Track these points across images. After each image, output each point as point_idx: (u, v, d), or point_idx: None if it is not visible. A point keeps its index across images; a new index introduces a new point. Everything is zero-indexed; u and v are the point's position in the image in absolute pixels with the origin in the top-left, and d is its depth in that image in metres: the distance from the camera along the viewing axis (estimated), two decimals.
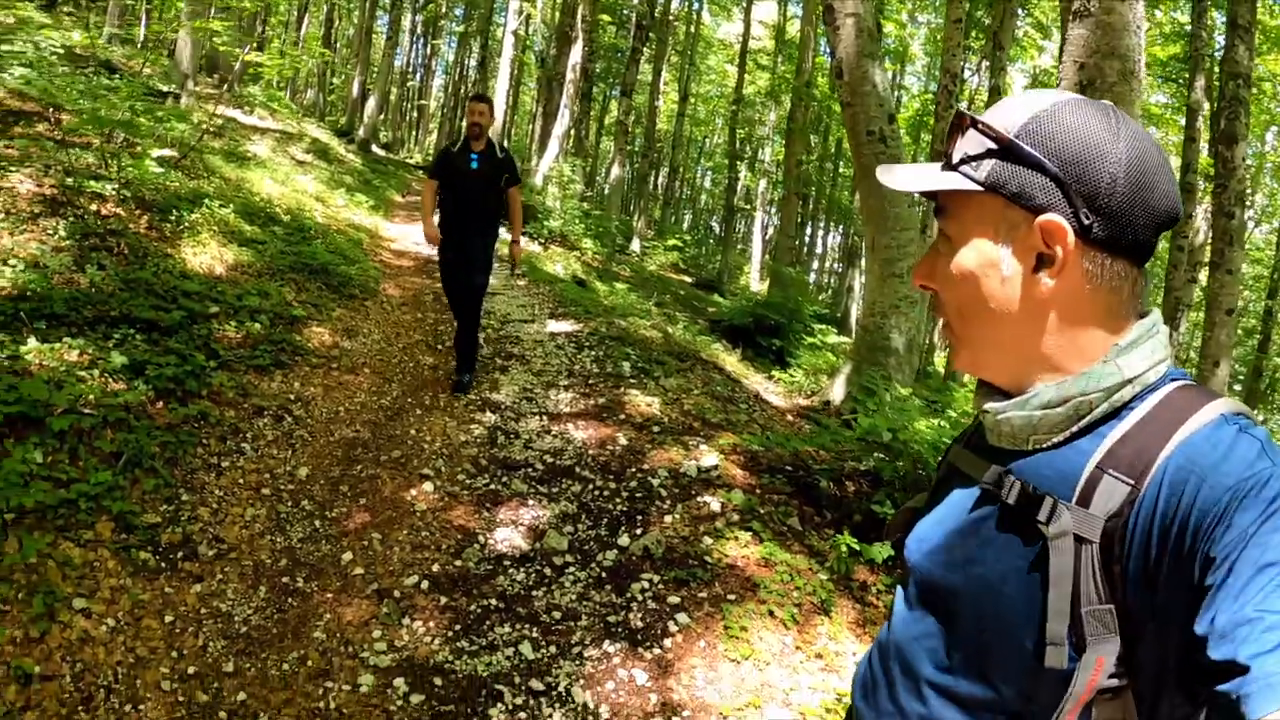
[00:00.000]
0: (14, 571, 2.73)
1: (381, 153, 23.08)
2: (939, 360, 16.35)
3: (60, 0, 13.91)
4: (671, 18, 22.75)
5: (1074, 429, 0.81)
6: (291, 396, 4.71)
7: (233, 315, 5.14)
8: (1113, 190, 0.78)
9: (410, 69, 36.04)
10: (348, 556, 3.44)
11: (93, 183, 5.35)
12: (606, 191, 19.89)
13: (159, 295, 4.65)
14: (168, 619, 2.90)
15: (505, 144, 5.61)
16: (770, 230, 23.86)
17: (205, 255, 5.66)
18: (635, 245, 18.41)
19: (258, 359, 4.83)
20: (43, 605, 2.67)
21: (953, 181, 0.83)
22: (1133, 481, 0.74)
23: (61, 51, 7.46)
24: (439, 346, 6.45)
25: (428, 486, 4.09)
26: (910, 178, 0.87)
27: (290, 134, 14.43)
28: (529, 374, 5.99)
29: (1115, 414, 0.81)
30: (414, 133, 37.85)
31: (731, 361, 8.37)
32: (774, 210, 24.47)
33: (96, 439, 3.44)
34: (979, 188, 0.82)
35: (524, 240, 12.08)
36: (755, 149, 25.03)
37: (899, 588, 1.02)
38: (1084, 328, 0.83)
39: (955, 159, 0.84)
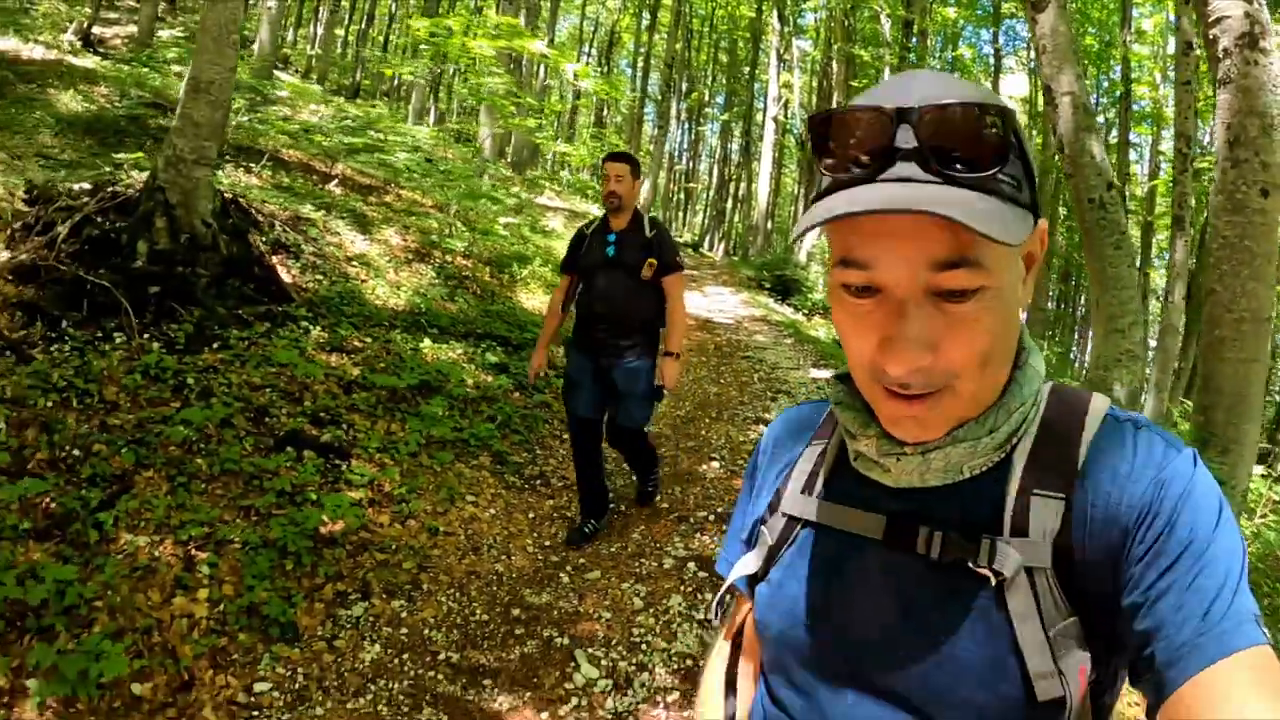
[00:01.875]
0: (427, 473, 4.40)
1: None
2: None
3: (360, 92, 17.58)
4: None
5: (1007, 448, 0.76)
6: None
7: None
8: None
9: (677, 153, 39.58)
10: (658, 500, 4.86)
11: (449, 240, 7.52)
12: None
13: (508, 321, 6.58)
14: (530, 516, 4.42)
15: (657, 218, 4.13)
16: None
17: (535, 300, 7.65)
18: None
19: None
20: (446, 494, 4.28)
21: (1027, 223, 0.70)
22: (1062, 495, 0.72)
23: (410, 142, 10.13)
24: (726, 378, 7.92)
25: (714, 464, 5.46)
26: (1006, 228, 0.64)
27: (576, 211, 16.99)
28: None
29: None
30: (681, 213, 41.35)
31: None
32: None
33: (478, 407, 5.19)
34: (1033, 218, 0.72)
35: (785, 312, 13.12)
36: None
37: (798, 679, 0.85)
38: (1019, 329, 0.78)
39: (998, 182, 0.67)
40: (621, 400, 4.02)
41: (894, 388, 0.71)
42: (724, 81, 30.70)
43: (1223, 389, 4.73)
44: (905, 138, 0.66)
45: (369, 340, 5.21)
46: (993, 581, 0.71)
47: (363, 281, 5.95)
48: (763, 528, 0.92)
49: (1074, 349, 30.59)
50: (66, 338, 3.79)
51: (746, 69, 27.20)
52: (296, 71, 18.56)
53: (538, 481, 4.87)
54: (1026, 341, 0.79)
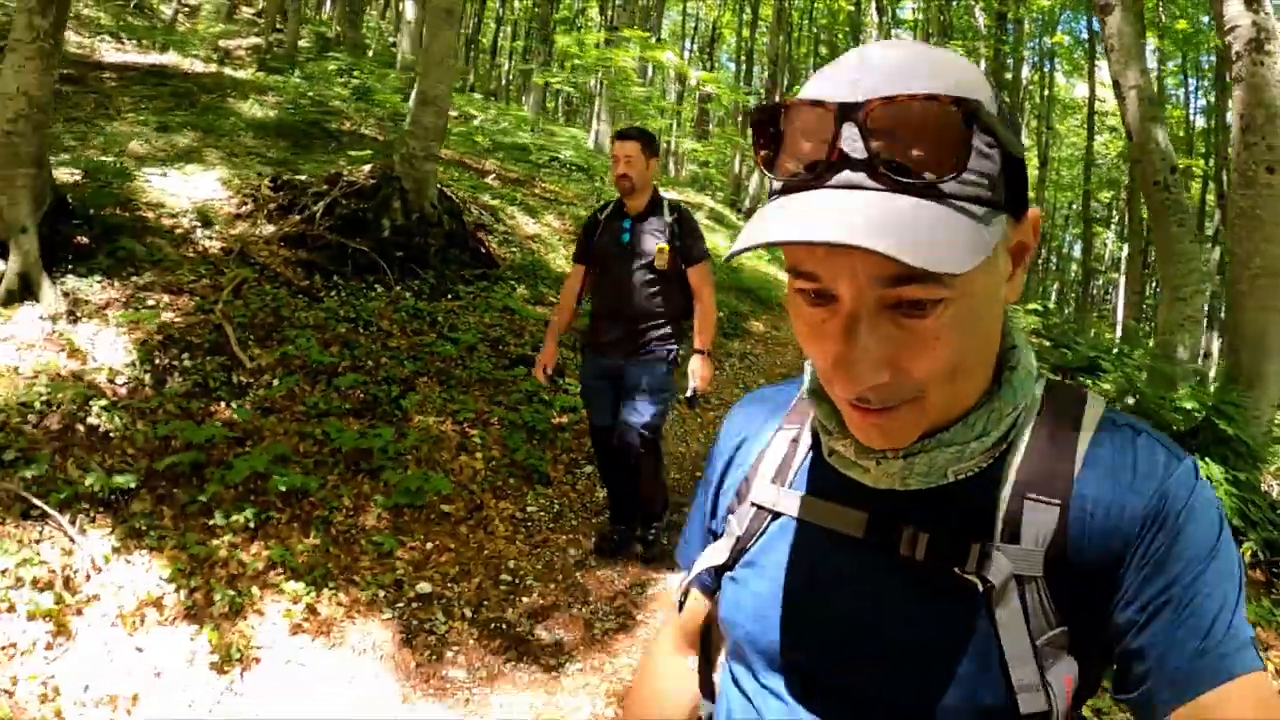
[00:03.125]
0: None
1: None
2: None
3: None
4: (1025, 83, 24.20)
5: (998, 452, 0.74)
6: None
7: None
8: None
9: None
10: None
11: None
12: None
13: None
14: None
15: (679, 202, 3.85)
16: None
17: None
18: None
19: None
20: None
21: (998, 231, 0.63)
22: (1058, 501, 0.70)
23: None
24: None
25: None
26: (955, 251, 0.57)
27: (690, 202, 18.48)
28: None
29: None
30: None
31: None
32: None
33: None
34: (1004, 219, 0.64)
35: None
36: (1112, 210, 25.36)
37: (763, 676, 0.81)
38: (999, 333, 0.74)
39: (962, 185, 0.60)
40: (628, 395, 3.69)
41: (857, 403, 0.67)
42: None
43: (1245, 334, 5.77)
44: (851, 141, 0.59)
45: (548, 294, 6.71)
46: (980, 589, 0.69)
47: (544, 254, 7.43)
48: (731, 517, 0.88)
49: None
50: (341, 288, 5.34)
51: None
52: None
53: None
54: (1016, 339, 0.76)
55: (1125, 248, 21.95)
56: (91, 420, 3.74)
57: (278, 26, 15.60)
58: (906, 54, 0.62)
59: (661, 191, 3.84)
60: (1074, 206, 37.84)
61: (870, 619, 0.74)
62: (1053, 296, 36.95)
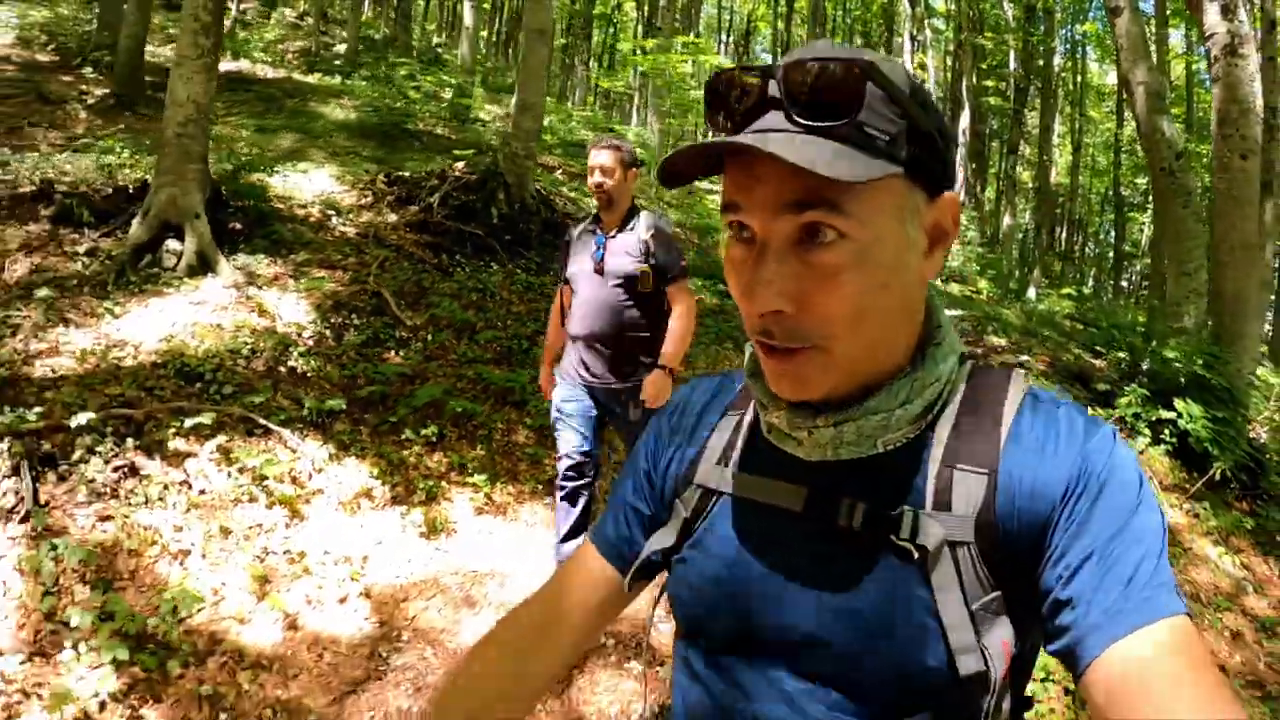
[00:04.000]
0: (708, 333, 7.05)
1: None
2: None
3: None
4: (1057, 70, 25.01)
5: (925, 423, 0.79)
6: None
7: None
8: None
9: None
10: None
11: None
12: (1000, 240, 22.85)
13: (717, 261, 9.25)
14: None
15: (657, 213, 3.67)
16: None
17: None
18: (1031, 293, 21.06)
19: None
20: (719, 348, 6.92)
21: (881, 169, 0.69)
22: (986, 469, 0.75)
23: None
24: None
25: None
26: (848, 169, 0.67)
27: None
28: None
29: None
30: None
31: None
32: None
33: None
34: (899, 171, 0.72)
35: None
36: (1148, 196, 26.10)
37: (699, 659, 0.88)
38: (923, 307, 0.82)
39: (860, 132, 0.69)
40: (591, 418, 3.55)
41: (762, 339, 0.75)
42: None
43: (1226, 300, 6.83)
44: (773, 90, 0.72)
45: None
46: (915, 555, 0.74)
47: None
48: (677, 501, 0.93)
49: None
50: (464, 265, 6.56)
51: (882, 51, 28.99)
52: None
53: None
54: (941, 319, 0.83)
55: (1148, 230, 22.81)
56: (291, 363, 4.97)
57: (321, 30, 16.88)
58: (841, 46, 0.72)
59: (639, 204, 3.67)
60: (1109, 191, 38.23)
61: (813, 589, 0.78)
62: (1089, 282, 37.36)
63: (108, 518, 3.58)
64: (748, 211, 0.73)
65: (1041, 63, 21.75)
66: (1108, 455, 0.74)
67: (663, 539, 0.93)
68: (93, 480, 3.69)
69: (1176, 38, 22.95)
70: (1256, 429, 6.96)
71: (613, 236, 3.50)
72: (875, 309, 0.73)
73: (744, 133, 0.72)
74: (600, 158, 3.46)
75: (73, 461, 3.75)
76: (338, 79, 13.34)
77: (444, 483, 4.47)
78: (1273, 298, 10.64)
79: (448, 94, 13.24)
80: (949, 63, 26.21)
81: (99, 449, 3.84)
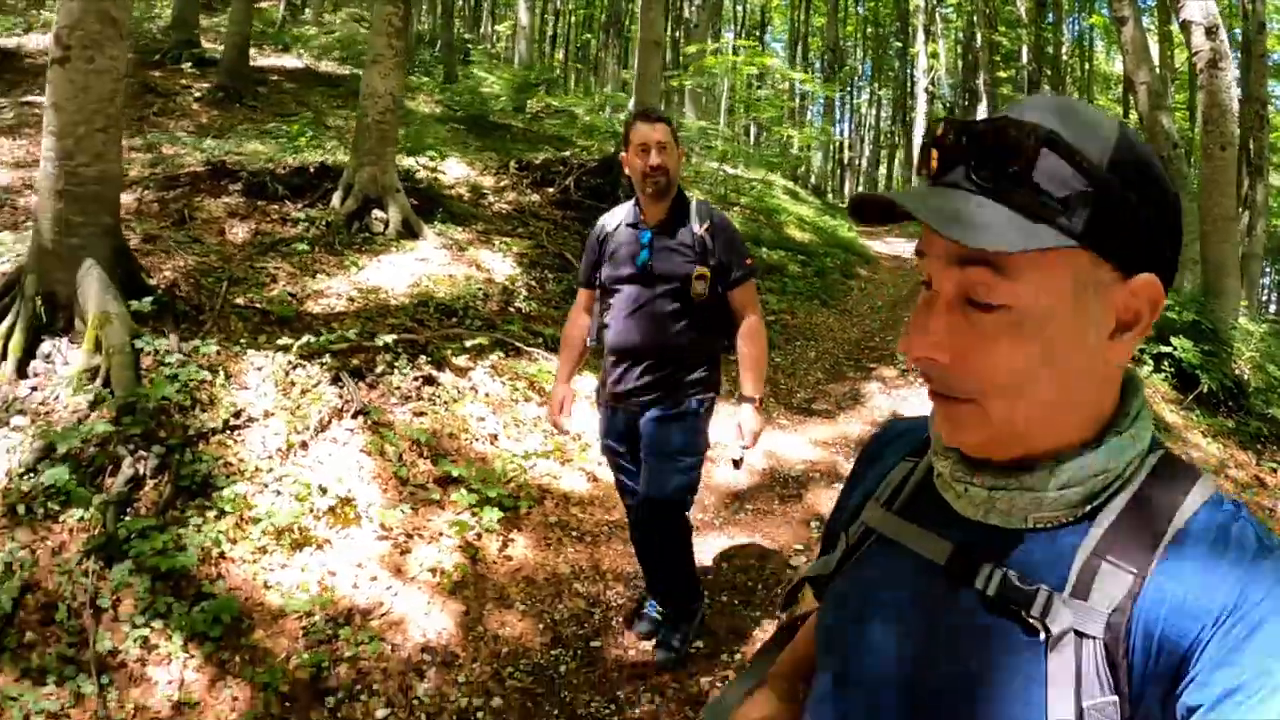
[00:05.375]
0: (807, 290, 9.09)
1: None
2: None
3: None
4: (1064, 56, 27.00)
5: (1083, 511, 0.79)
6: None
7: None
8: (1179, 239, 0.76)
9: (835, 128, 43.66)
10: None
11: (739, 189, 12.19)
12: None
13: (777, 233, 11.23)
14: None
15: (709, 203, 3.19)
16: None
17: (803, 234, 12.30)
18: None
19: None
20: (815, 303, 8.95)
21: (1047, 239, 0.70)
22: (1135, 570, 0.73)
23: None
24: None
25: None
26: (999, 235, 0.69)
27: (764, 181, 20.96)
28: None
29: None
30: (836, 182, 45.66)
31: None
32: None
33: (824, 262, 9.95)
34: (1073, 243, 0.71)
35: None
36: None
37: (829, 684, 0.94)
38: (1112, 391, 0.82)
39: (1033, 195, 0.71)
40: (648, 457, 3.12)
41: (926, 382, 0.81)
42: (870, 52, 34.59)
43: (1211, 261, 8.86)
44: (961, 146, 0.75)
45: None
46: (1041, 636, 0.74)
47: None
48: (844, 533, 1.01)
49: None
50: None
51: (895, 41, 31.11)
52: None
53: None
54: (1135, 408, 0.81)
55: None
56: (517, 304, 6.77)
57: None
58: (1060, 104, 0.76)
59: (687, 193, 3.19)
60: None
61: (932, 645, 0.82)
62: None
63: (420, 414, 4.90)
64: (929, 260, 0.78)
65: (1051, 49, 23.70)
66: (1272, 583, 0.70)
67: (820, 566, 1.02)
68: (399, 387, 4.97)
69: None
70: (1241, 366, 8.97)
71: (662, 232, 3.02)
72: (1035, 381, 0.75)
73: (931, 185, 0.77)
74: (656, 131, 2.97)
75: (378, 374, 4.98)
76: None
77: None
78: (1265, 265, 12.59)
79: (492, 89, 15.04)
80: (959, 50, 28.17)
81: (397, 364, 5.11)
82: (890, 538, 0.92)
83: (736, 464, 3.22)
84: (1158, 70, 11.86)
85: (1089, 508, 0.79)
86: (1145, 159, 0.75)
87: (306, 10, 19.12)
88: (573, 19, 32.15)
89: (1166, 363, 8.12)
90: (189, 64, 11.32)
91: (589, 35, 32.37)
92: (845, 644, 0.92)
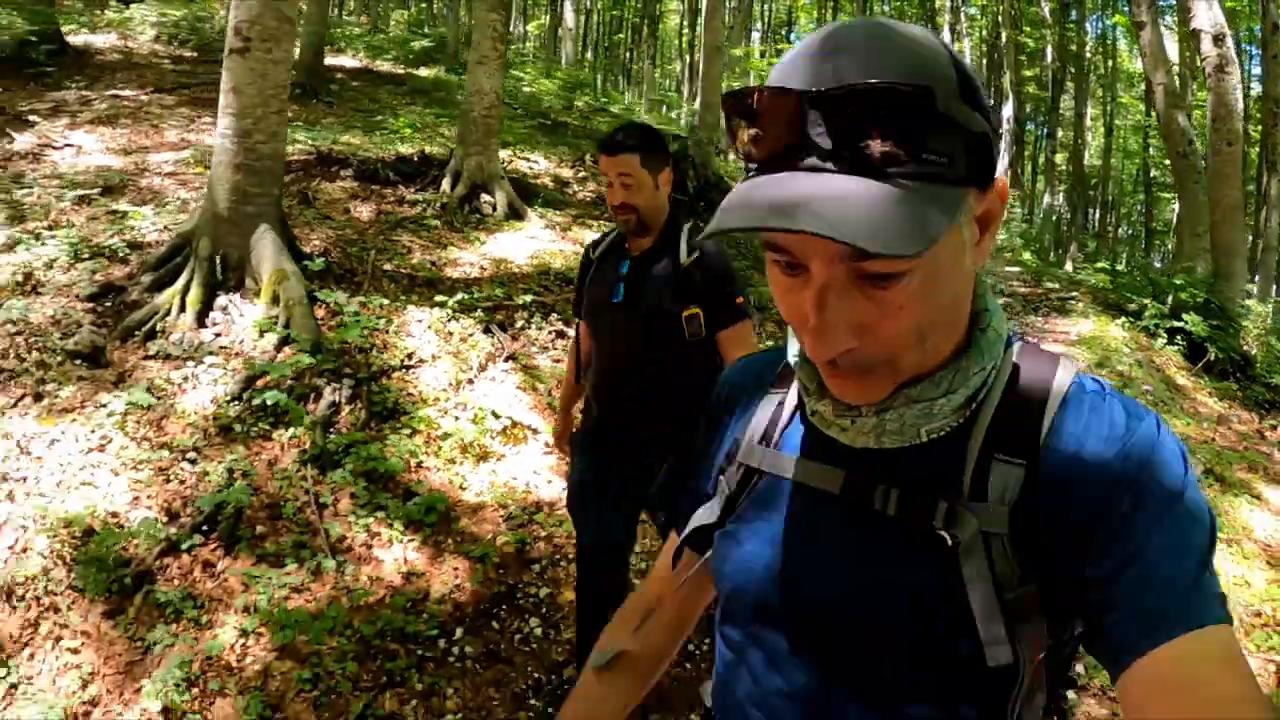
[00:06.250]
0: None
1: None
2: None
3: None
4: (1089, 53, 28.10)
5: (967, 413, 0.82)
6: None
7: None
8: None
9: None
10: None
11: None
12: (1039, 218, 26.09)
13: None
14: None
15: (709, 243, 2.68)
16: None
17: None
18: (1069, 267, 24.27)
19: None
20: None
21: (950, 206, 0.69)
22: (1025, 461, 0.78)
23: None
24: None
25: None
26: (912, 230, 0.64)
27: None
28: None
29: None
30: None
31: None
32: None
33: None
34: (961, 192, 0.72)
35: None
36: None
37: (744, 640, 0.95)
38: (969, 296, 0.83)
39: (922, 165, 0.67)
40: (615, 504, 2.82)
41: (828, 367, 0.78)
42: None
43: (1220, 246, 10.08)
44: (816, 128, 0.67)
45: None
46: (949, 543, 0.78)
47: None
48: (721, 478, 1.02)
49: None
50: None
51: None
52: None
53: None
54: (988, 303, 0.84)
55: (1178, 208, 26.05)
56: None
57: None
58: (871, 36, 0.69)
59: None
60: (1139, 174, 40.73)
61: (846, 571, 0.84)
62: (1123, 261, 39.31)
63: (558, 360, 5.72)
64: (799, 255, 0.72)
65: (1075, 47, 24.83)
66: (1150, 449, 0.75)
67: (706, 514, 1.01)
68: (536, 339, 5.88)
69: None
70: (1250, 343, 10.14)
71: (640, 262, 2.73)
72: (935, 323, 0.76)
73: (783, 175, 0.68)
74: (618, 162, 2.60)
75: (518, 328, 5.84)
76: (453, 75, 14.98)
77: None
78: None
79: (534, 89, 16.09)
80: (984, 49, 29.19)
81: (533, 320, 6.00)
82: (778, 475, 0.93)
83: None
84: (1178, 70, 13.11)
85: (973, 407, 0.81)
86: (964, 67, 0.72)
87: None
88: (601, 19, 33.30)
89: (1179, 336, 9.32)
90: None
91: (620, 35, 33.66)
92: (754, 585, 0.92)
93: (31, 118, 7.97)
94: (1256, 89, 25.06)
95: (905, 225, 0.64)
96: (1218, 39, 9.48)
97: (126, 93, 9.36)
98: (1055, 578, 0.77)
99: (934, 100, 0.66)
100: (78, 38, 11.25)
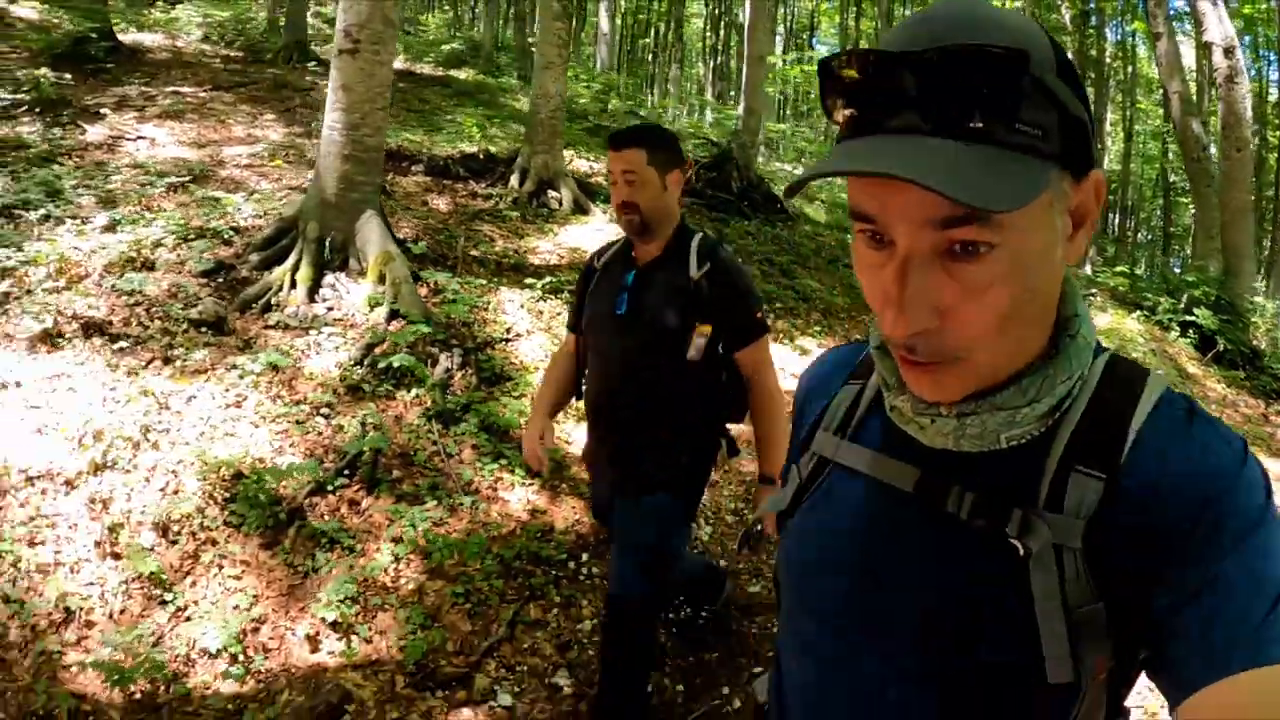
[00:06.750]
0: None
1: None
2: None
3: None
4: (1108, 57, 28.69)
5: (1051, 421, 0.80)
6: None
7: None
8: None
9: None
10: None
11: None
12: None
13: None
14: None
15: (715, 241, 2.60)
16: None
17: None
18: (1087, 269, 24.87)
19: None
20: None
21: (1041, 178, 0.68)
22: (1104, 475, 0.76)
23: None
24: None
25: None
26: (1002, 189, 0.64)
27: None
28: None
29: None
30: None
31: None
32: None
33: None
34: (1055, 169, 0.70)
35: None
36: None
37: (796, 625, 0.98)
38: (1057, 296, 0.81)
39: (1013, 132, 0.67)
40: (616, 549, 2.70)
41: (904, 353, 0.76)
42: None
43: (1229, 246, 10.86)
44: (909, 88, 0.67)
45: (834, 230, 11.93)
46: (1020, 553, 0.76)
47: (807, 207, 12.70)
48: (794, 465, 1.02)
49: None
50: (720, 219, 10.62)
51: None
52: None
53: None
54: (1078, 308, 0.82)
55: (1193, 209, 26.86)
56: None
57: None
58: (967, 8, 0.70)
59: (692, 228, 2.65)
60: (1158, 178, 41.07)
61: (926, 569, 0.84)
62: (1141, 265, 39.65)
63: None
64: (883, 224, 0.71)
65: (1094, 53, 25.40)
66: (1235, 476, 0.73)
67: (776, 501, 1.03)
68: None
69: None
70: (1259, 337, 10.95)
71: (647, 273, 2.58)
72: (1020, 317, 0.74)
73: (873, 137, 0.70)
74: (623, 158, 2.49)
75: None
76: (489, 78, 15.60)
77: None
78: None
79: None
80: None
81: None
82: (849, 466, 0.93)
83: (749, 544, 2.43)
84: (1194, 78, 13.93)
85: (1056, 416, 0.80)
86: (1062, 50, 0.73)
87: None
88: (626, 23, 34.05)
89: (1191, 330, 10.13)
90: (312, 63, 12.17)
91: (646, 40, 34.54)
92: (829, 580, 0.92)
93: (102, 110, 8.39)
94: (1275, 94, 25.98)
95: (994, 183, 0.64)
96: (1228, 51, 10.29)
97: (185, 89, 9.83)
98: (1124, 598, 0.75)
99: (1028, 65, 0.65)
100: (127, 36, 11.63)
